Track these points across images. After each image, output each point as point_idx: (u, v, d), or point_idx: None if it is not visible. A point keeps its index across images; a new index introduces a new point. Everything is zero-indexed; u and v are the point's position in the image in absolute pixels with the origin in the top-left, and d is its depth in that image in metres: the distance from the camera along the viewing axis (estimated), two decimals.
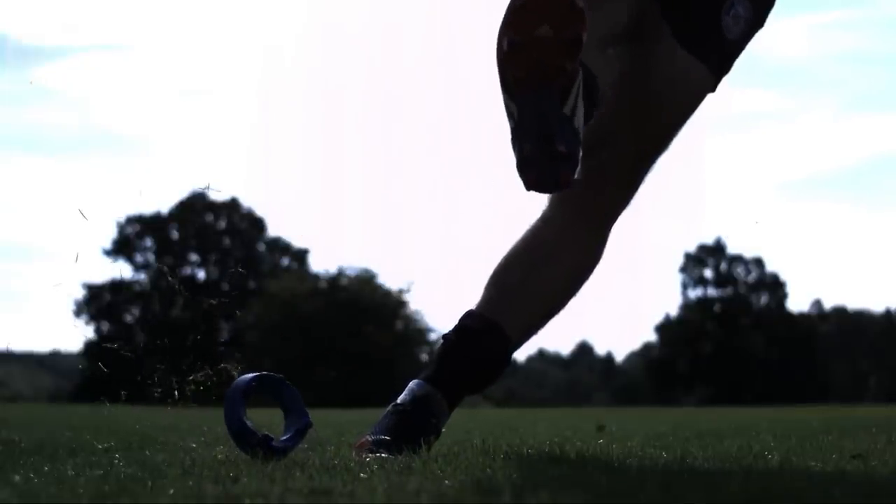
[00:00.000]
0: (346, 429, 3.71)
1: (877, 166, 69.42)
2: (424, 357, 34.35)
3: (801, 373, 45.67)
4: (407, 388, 2.24)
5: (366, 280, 36.03)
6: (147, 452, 2.22)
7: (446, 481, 1.51)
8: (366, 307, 34.33)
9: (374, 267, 42.73)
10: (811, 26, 69.80)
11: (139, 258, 41.55)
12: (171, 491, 1.41)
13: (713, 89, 2.34)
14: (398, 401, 2.21)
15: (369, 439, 2.12)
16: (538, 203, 2.39)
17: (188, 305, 2.42)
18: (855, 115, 70.90)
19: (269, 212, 52.15)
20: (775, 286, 48.60)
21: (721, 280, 48.51)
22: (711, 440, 2.88)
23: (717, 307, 48.33)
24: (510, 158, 1.94)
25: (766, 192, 66.87)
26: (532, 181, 1.95)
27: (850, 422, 5.00)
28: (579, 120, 1.95)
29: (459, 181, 62.95)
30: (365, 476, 1.60)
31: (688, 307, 48.58)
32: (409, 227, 59.60)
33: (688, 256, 48.71)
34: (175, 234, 42.53)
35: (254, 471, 1.67)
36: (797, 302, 69.08)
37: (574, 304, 2.41)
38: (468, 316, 2.29)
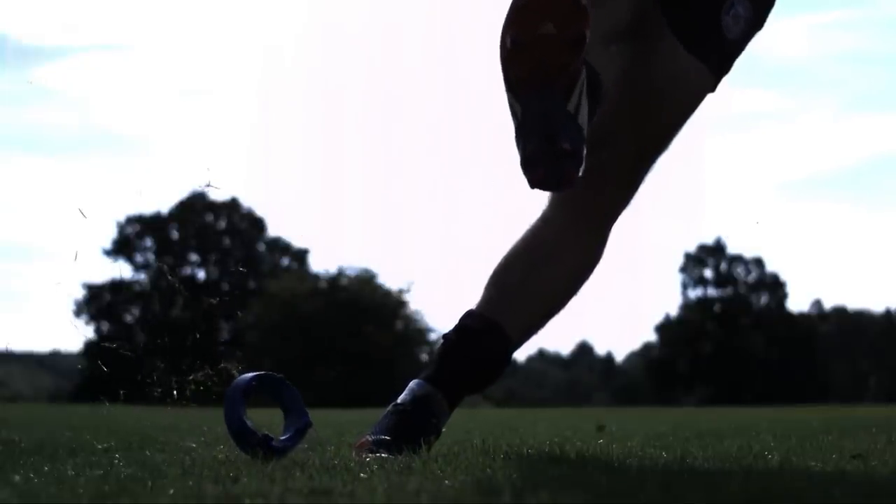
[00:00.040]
0: (346, 429, 3.71)
1: (877, 166, 69.47)
2: (424, 357, 34.35)
3: (801, 373, 45.66)
4: (407, 388, 2.24)
5: (366, 280, 36.03)
6: (147, 452, 2.22)
7: (446, 481, 1.51)
8: (366, 307, 34.33)
9: (374, 267, 42.74)
10: (811, 26, 69.86)
11: (139, 258, 41.57)
12: (171, 491, 1.41)
13: (713, 89, 2.34)
14: (398, 400, 2.21)
15: (369, 439, 2.12)
16: (538, 203, 2.39)
17: (188, 305, 2.42)
18: (855, 115, 70.95)
19: (269, 212, 52.17)
20: (775, 286, 48.61)
21: (721, 280, 48.52)
22: (711, 440, 2.88)
23: (717, 307, 48.33)
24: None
25: (766, 192, 66.92)
26: (536, 179, 1.95)
27: (850, 422, 5.00)
28: (583, 117, 1.95)
29: (459, 181, 62.96)
30: (365, 476, 1.59)
31: (688, 307, 48.59)
32: (409, 227, 59.63)
33: (688, 256, 48.75)
34: (175, 234, 42.53)
35: (254, 471, 1.67)
36: (797, 302, 69.14)
37: (574, 304, 2.41)
38: (468, 316, 2.29)
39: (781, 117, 69.64)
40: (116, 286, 40.59)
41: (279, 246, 43.88)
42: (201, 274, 42.18)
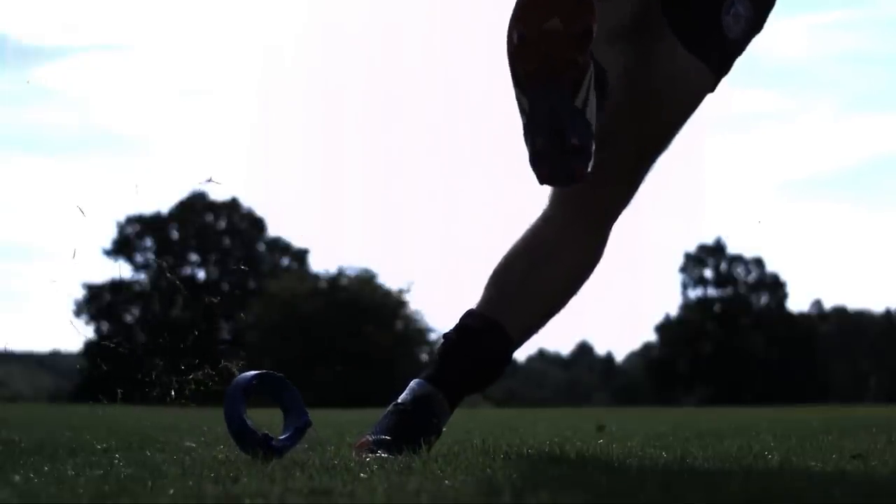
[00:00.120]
0: (346, 429, 3.71)
1: (877, 166, 69.47)
2: (424, 357, 34.36)
3: (801, 373, 45.66)
4: (408, 388, 2.23)
5: (366, 280, 36.03)
6: (147, 452, 2.22)
7: (446, 481, 1.51)
8: (366, 307, 34.33)
9: (374, 267, 42.76)
10: (811, 26, 69.84)
11: (139, 258, 41.57)
12: (171, 491, 1.41)
13: (713, 89, 2.34)
14: (399, 400, 2.21)
15: (370, 439, 2.12)
16: (538, 202, 2.39)
17: (188, 304, 2.42)
18: (855, 115, 70.95)
19: (269, 212, 52.17)
20: (775, 286, 48.60)
21: (721, 280, 48.51)
22: (711, 440, 2.88)
23: (717, 307, 48.33)
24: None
25: (766, 192, 66.91)
26: (545, 175, 1.95)
27: (850, 422, 5.00)
28: (591, 112, 1.95)
29: (459, 181, 62.95)
30: (365, 476, 1.59)
31: (688, 307, 48.59)
32: (409, 227, 59.63)
33: (688, 256, 48.74)
34: (175, 234, 42.53)
35: (254, 471, 1.67)
36: (797, 302, 69.13)
37: (574, 304, 2.41)
38: (469, 315, 2.29)
39: (781, 117, 69.68)
40: (116, 286, 40.58)
41: (279, 246, 43.88)
42: (201, 274, 42.19)
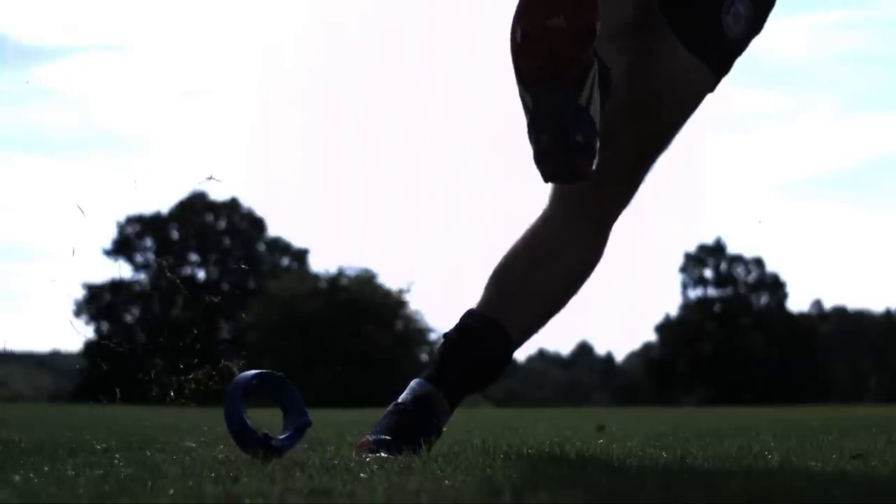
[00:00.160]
0: (346, 429, 3.71)
1: (877, 166, 69.48)
2: (424, 357, 34.36)
3: (801, 373, 45.66)
4: (408, 388, 2.23)
5: (366, 280, 36.03)
6: (147, 452, 2.22)
7: (446, 481, 1.51)
8: (366, 307, 34.33)
9: (374, 267, 42.75)
10: (811, 26, 69.85)
11: (139, 258, 41.57)
12: (171, 491, 1.41)
13: (713, 89, 2.34)
14: (399, 400, 2.21)
15: (370, 439, 2.12)
16: (538, 202, 2.39)
17: (188, 304, 2.43)
18: (855, 115, 70.96)
19: (269, 212, 52.16)
20: (775, 286, 48.60)
21: (721, 280, 48.52)
22: (711, 440, 2.88)
23: (717, 307, 48.32)
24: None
25: (766, 192, 66.91)
26: (550, 173, 1.95)
27: (850, 422, 5.00)
28: (595, 110, 1.95)
29: (459, 181, 62.95)
30: (365, 476, 1.59)
31: (688, 307, 48.58)
32: (409, 227, 59.62)
33: (688, 256, 48.74)
34: (175, 234, 42.53)
35: (254, 471, 1.67)
36: (797, 302, 69.13)
37: (574, 304, 2.41)
38: (469, 315, 2.29)
39: (781, 117, 69.69)
40: (116, 286, 40.58)
41: (279, 246, 43.88)
42: (201, 274, 42.19)
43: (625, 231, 2.42)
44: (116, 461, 1.93)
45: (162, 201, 40.84)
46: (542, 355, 65.58)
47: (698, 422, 5.83)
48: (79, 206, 2.19)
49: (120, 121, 64.54)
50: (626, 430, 3.99)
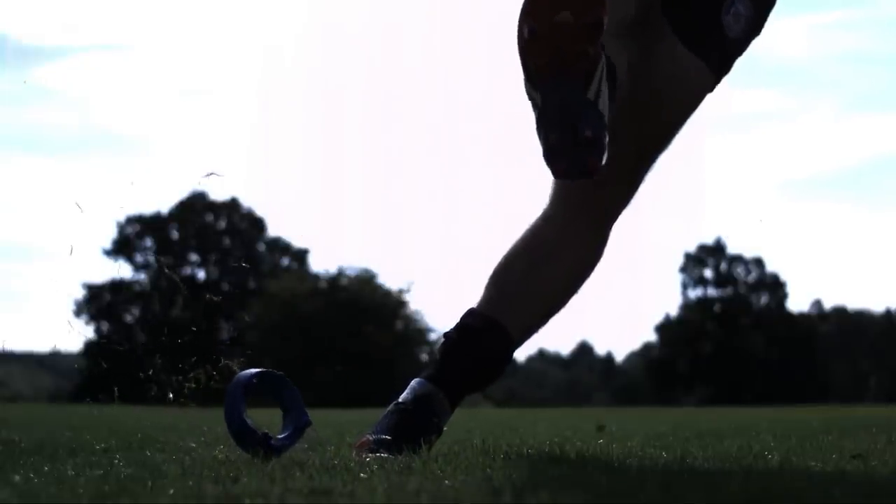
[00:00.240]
0: (346, 429, 3.71)
1: (877, 166, 69.48)
2: (424, 357, 34.37)
3: (801, 373, 45.66)
4: (408, 387, 2.23)
5: (366, 280, 36.04)
6: (147, 452, 2.21)
7: (446, 481, 1.51)
8: (366, 307, 34.33)
9: (374, 267, 42.76)
10: (811, 26, 69.85)
11: (139, 258, 41.57)
12: (171, 491, 1.41)
13: (713, 88, 2.34)
14: (400, 399, 2.21)
15: (370, 439, 2.12)
16: (538, 202, 2.39)
17: (189, 302, 2.43)
18: (855, 115, 70.95)
19: (269, 212, 52.14)
20: (775, 286, 48.60)
21: (721, 280, 48.52)
22: (711, 440, 2.88)
23: (717, 307, 48.32)
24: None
25: (766, 192, 66.91)
26: (560, 170, 1.95)
27: (850, 422, 5.00)
28: (604, 104, 1.95)
29: (459, 181, 62.95)
30: (365, 476, 1.59)
31: (688, 307, 48.58)
32: (409, 227, 59.63)
33: (688, 256, 48.74)
34: (175, 234, 42.53)
35: (254, 471, 1.67)
36: (797, 302, 69.11)
37: (574, 304, 2.41)
38: (469, 314, 2.29)
39: (782, 117, 69.69)
40: (116, 286, 40.57)
41: (279, 246, 43.89)
42: (201, 274, 42.19)
43: (625, 231, 2.42)
44: (116, 461, 1.93)
45: (162, 201, 40.86)
46: (542, 355, 65.62)
47: (698, 422, 5.83)
48: (77, 204, 2.19)
49: (120, 121, 64.57)
50: (626, 430, 3.99)
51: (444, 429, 2.26)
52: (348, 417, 6.70)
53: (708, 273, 48.73)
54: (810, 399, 38.30)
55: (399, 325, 35.69)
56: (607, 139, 1.94)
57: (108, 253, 41.16)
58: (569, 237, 2.36)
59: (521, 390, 49.82)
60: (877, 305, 73.77)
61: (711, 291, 48.62)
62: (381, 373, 31.66)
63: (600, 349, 70.59)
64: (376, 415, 2.33)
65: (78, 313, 40.38)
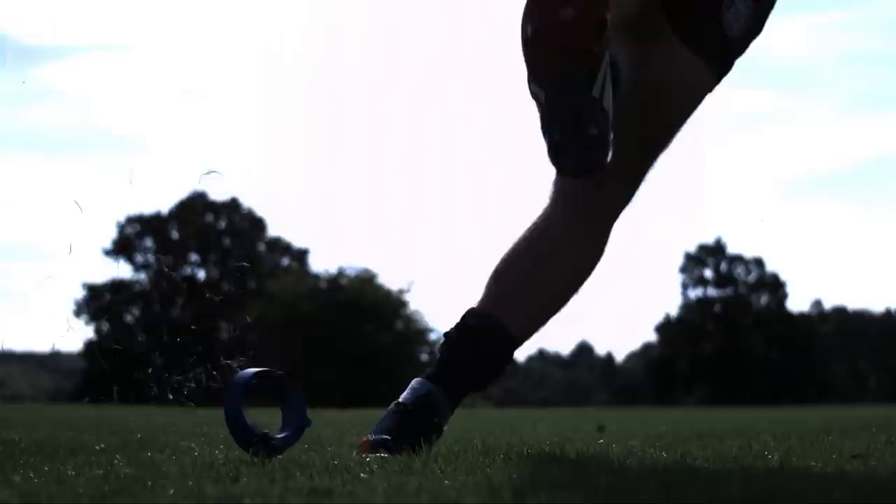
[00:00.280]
0: (346, 429, 3.71)
1: (877, 166, 69.49)
2: (424, 357, 34.38)
3: (801, 373, 45.67)
4: (409, 387, 2.23)
5: (366, 280, 36.04)
6: (147, 452, 2.21)
7: (446, 481, 1.51)
8: (366, 307, 34.34)
9: (374, 267, 42.73)
10: (811, 26, 69.83)
11: (139, 258, 41.56)
12: (171, 491, 1.41)
13: (713, 88, 2.34)
14: (400, 399, 2.21)
15: (370, 439, 2.12)
16: (538, 201, 2.39)
17: (189, 301, 2.43)
18: (855, 115, 70.95)
19: (269, 212, 52.09)
20: (775, 286, 48.61)
21: (721, 280, 48.52)
22: (711, 440, 2.88)
23: (717, 307, 48.34)
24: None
25: (766, 192, 66.89)
26: (565, 168, 1.95)
27: (850, 422, 5.00)
28: (608, 101, 1.95)
29: (459, 181, 62.96)
30: (365, 476, 1.59)
31: (688, 307, 48.60)
32: (409, 227, 59.63)
33: (688, 256, 48.75)
34: (175, 234, 42.53)
35: (254, 471, 1.67)
36: (797, 302, 69.07)
37: (574, 304, 2.41)
38: (470, 314, 2.29)
39: (781, 117, 69.67)
40: (116, 286, 40.57)
41: (279, 246, 43.88)
42: (201, 274, 42.19)
43: (625, 231, 2.42)
44: (116, 461, 1.93)
45: (162, 201, 40.85)
46: (542, 355, 65.61)
47: (698, 422, 5.83)
48: (77, 204, 2.19)
49: (120, 121, 64.56)
50: (626, 430, 3.99)
51: (445, 429, 2.26)
52: (348, 417, 6.70)
53: (708, 273, 48.76)
54: (810, 399, 38.31)
55: (399, 325, 35.70)
56: (612, 137, 1.94)
57: (108, 253, 41.20)
58: (569, 237, 2.36)
59: (521, 390, 49.83)
60: (877, 305, 73.85)
61: (711, 291, 48.65)
62: (381, 373, 31.67)
63: (600, 349, 70.58)
64: (376, 415, 2.33)
65: (78, 313, 40.40)
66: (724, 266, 48.65)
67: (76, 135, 67.87)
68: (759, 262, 48.80)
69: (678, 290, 49.01)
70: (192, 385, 2.18)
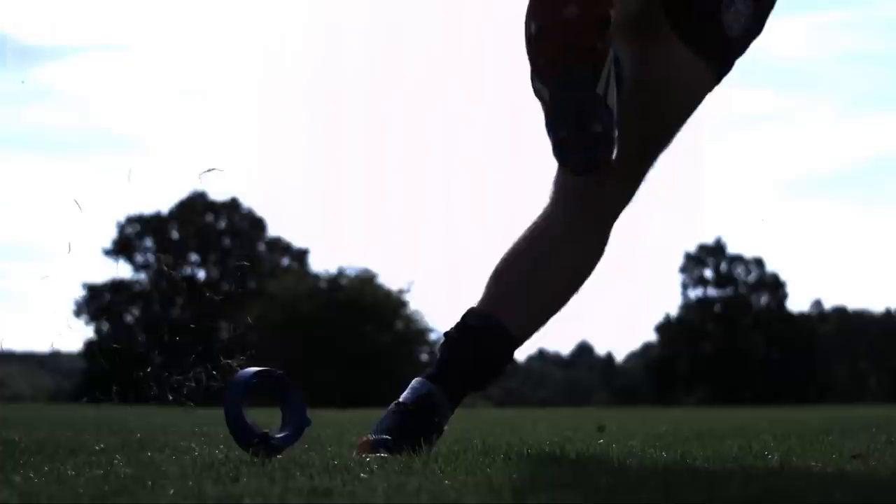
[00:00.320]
0: (346, 429, 3.71)
1: (877, 166, 69.50)
2: (424, 357, 34.38)
3: (801, 373, 45.67)
4: (409, 387, 2.23)
5: (366, 280, 36.05)
6: (147, 452, 2.21)
7: (446, 481, 1.51)
8: (366, 307, 34.34)
9: (374, 267, 42.72)
10: (811, 26, 69.83)
11: (139, 258, 41.56)
12: (171, 491, 1.41)
13: (713, 88, 2.34)
14: (401, 399, 2.21)
15: (371, 439, 2.12)
16: (538, 201, 2.39)
17: (189, 301, 2.44)
18: (855, 115, 70.95)
19: (269, 212, 52.08)
20: (775, 286, 48.61)
21: (721, 280, 48.53)
22: (711, 440, 2.88)
23: (717, 307, 48.34)
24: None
25: (766, 192, 66.88)
26: (569, 165, 1.95)
27: (850, 422, 5.00)
28: (612, 99, 1.95)
29: (459, 181, 62.96)
30: (365, 476, 1.59)
31: (688, 307, 48.60)
32: (409, 227, 59.63)
33: (688, 256, 48.75)
34: (175, 234, 42.53)
35: (254, 471, 1.67)
36: (797, 302, 69.06)
37: (574, 304, 2.41)
38: (470, 314, 2.29)
39: (781, 117, 69.68)
40: (116, 286, 40.58)
41: (279, 246, 43.89)
42: (201, 274, 42.18)
43: (625, 231, 2.42)
44: (116, 461, 1.93)
45: (162, 201, 40.86)
46: (542, 355, 65.61)
47: (698, 422, 5.83)
48: (76, 202, 2.20)
49: (120, 121, 64.57)
50: (626, 430, 3.99)
51: (445, 429, 2.26)
52: (348, 417, 6.70)
53: (708, 273, 48.76)
54: (810, 399, 38.31)
55: (399, 325, 35.71)
56: (616, 134, 1.94)
57: (108, 253, 41.20)
58: (569, 236, 2.36)
59: (521, 390, 49.84)
60: (877, 305, 73.86)
61: (711, 291, 48.65)
62: (381, 373, 31.67)
63: (600, 349, 70.57)
64: (376, 415, 2.33)
65: (78, 313, 40.41)
66: (724, 266, 48.66)
67: (76, 135, 67.91)
68: (759, 262, 48.83)
69: (678, 290, 49.06)
70: (192, 385, 2.18)
